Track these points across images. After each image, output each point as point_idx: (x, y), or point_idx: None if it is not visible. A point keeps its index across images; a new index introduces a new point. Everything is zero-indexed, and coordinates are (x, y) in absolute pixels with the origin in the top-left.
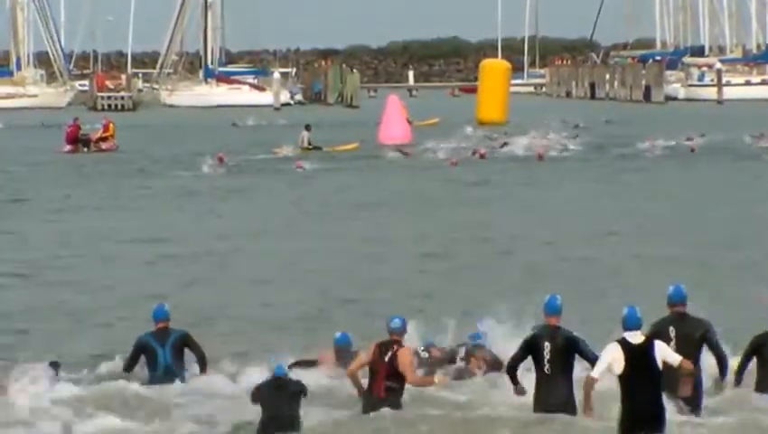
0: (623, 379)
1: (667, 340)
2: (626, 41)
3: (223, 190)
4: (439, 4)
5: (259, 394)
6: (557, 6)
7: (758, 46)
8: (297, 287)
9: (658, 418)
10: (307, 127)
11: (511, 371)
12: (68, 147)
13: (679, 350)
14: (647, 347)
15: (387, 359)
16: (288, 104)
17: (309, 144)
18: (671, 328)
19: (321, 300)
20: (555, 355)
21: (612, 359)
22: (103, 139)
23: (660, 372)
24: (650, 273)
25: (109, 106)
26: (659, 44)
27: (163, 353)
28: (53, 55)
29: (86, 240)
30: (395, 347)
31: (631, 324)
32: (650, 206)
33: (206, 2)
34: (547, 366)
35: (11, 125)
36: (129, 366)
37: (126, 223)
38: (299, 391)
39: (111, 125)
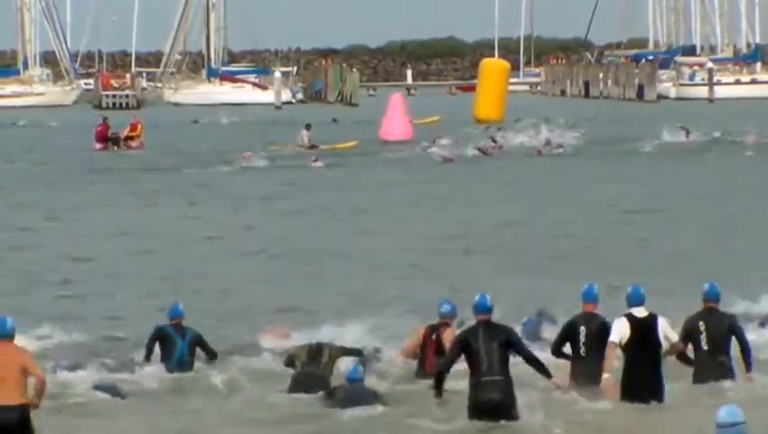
0: (627, 349)
1: (698, 332)
2: (620, 40)
3: (265, 187)
4: (436, 4)
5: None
6: (553, 7)
7: (748, 46)
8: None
9: (656, 385)
10: (307, 127)
11: (557, 353)
12: (98, 146)
13: (708, 340)
14: (650, 322)
15: (434, 338)
16: (289, 102)
17: (309, 143)
18: (701, 322)
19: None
20: (590, 339)
21: (621, 330)
22: (131, 138)
23: (659, 344)
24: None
25: (114, 104)
26: (651, 44)
27: (182, 345)
28: (59, 55)
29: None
30: (442, 328)
31: (635, 300)
32: (651, 198)
33: (209, 2)
34: (582, 349)
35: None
36: (149, 352)
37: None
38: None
39: (139, 125)
